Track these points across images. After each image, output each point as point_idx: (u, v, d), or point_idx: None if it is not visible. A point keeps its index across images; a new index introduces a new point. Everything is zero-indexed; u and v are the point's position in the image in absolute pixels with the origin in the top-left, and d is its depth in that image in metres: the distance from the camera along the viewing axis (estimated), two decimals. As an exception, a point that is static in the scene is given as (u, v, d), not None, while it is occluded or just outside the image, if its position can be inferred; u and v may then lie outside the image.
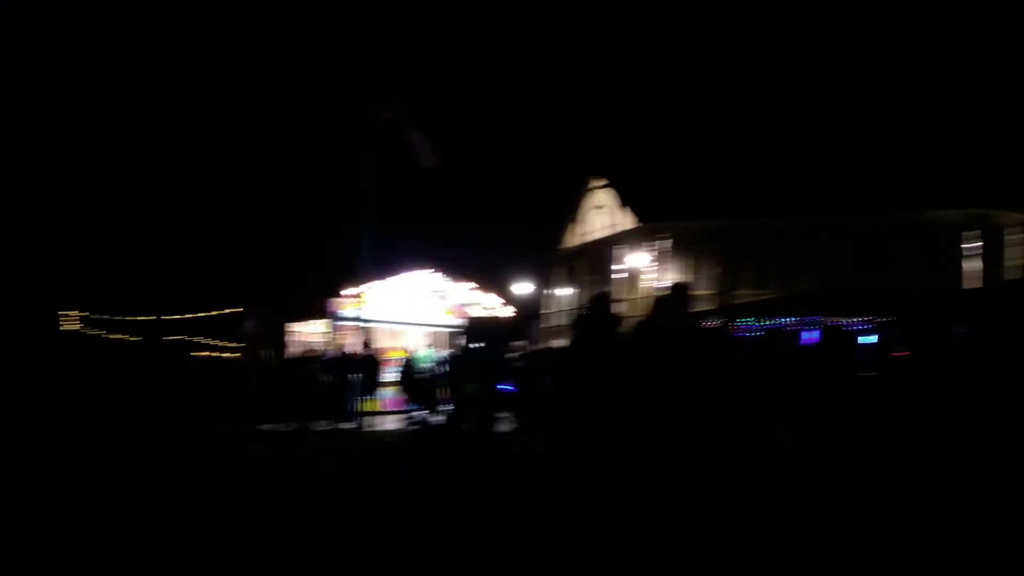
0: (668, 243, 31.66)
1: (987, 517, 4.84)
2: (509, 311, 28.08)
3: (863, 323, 22.42)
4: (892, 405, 6.05)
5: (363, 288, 24.19)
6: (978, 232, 28.90)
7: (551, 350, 22.69)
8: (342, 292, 23.84)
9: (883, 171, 29.33)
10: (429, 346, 23.80)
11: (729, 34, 52.38)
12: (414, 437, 15.89)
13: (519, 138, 55.81)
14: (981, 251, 28.80)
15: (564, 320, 33.78)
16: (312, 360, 20.70)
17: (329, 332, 23.61)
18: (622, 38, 58.69)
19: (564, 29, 61.26)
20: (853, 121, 33.38)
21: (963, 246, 28.95)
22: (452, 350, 22.90)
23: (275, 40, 60.51)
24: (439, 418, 18.12)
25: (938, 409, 5.49)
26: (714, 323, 17.10)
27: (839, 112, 35.03)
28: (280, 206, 49.48)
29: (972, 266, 28.73)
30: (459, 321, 27.33)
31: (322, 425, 18.11)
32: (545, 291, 37.73)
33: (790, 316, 23.21)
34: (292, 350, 23.67)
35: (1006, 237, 29.22)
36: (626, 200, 33.47)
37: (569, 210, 37.70)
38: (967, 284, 27.94)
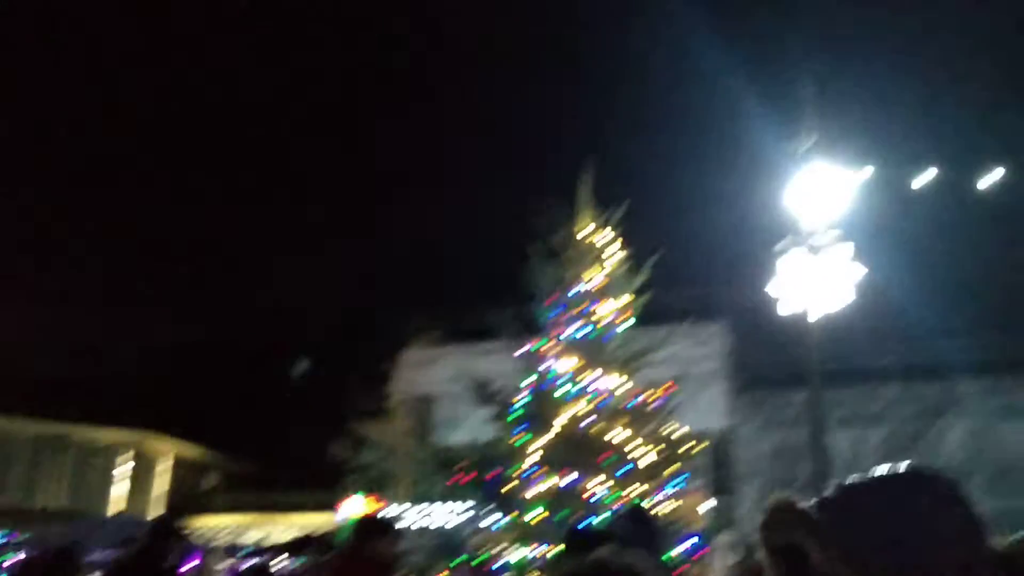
0: None
1: None
2: None
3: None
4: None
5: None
6: (131, 455, 28.61)
7: None
8: None
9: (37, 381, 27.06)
10: None
11: None
12: None
13: None
14: (132, 475, 28.45)
15: None
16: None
17: None
18: None
19: None
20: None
21: (115, 471, 28.23)
22: None
23: None
24: None
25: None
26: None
27: None
28: None
29: (121, 490, 28.06)
30: None
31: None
32: None
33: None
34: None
35: (158, 465, 29.55)
36: None
37: None
38: (115, 508, 27.00)
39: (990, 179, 11.28)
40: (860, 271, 8.74)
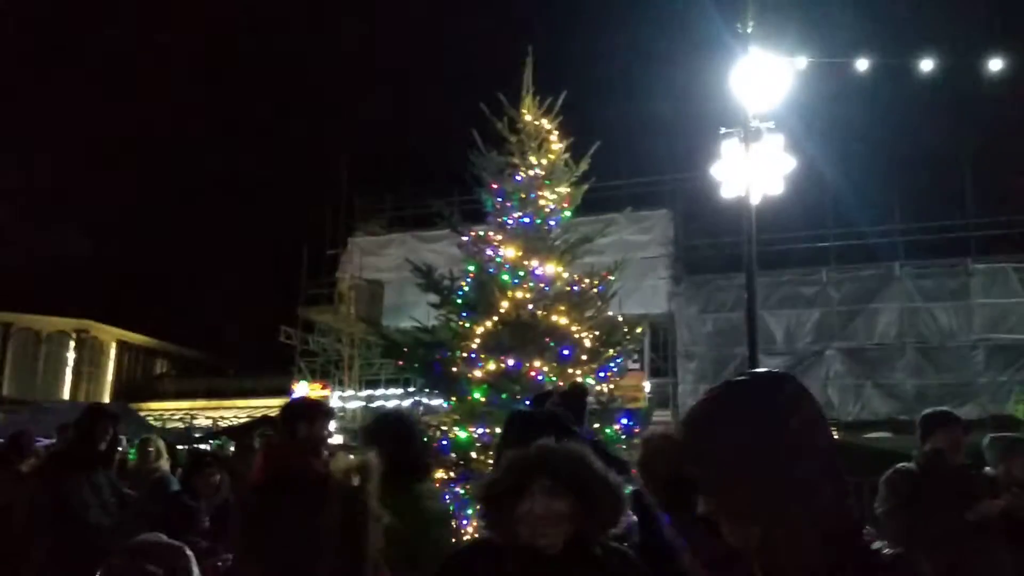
0: None
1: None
2: None
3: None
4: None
5: None
6: (75, 343, 28.48)
7: None
8: None
9: None
10: None
11: None
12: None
13: None
14: (79, 363, 28.38)
15: None
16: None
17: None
18: None
19: None
20: None
21: (68, 355, 28.09)
22: None
23: None
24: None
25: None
26: None
27: None
28: None
29: (72, 377, 28.02)
30: None
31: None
32: None
33: None
34: None
35: (106, 353, 29.47)
36: None
37: None
38: (68, 395, 27.01)
39: (926, 66, 11.36)
40: (791, 163, 8.91)
